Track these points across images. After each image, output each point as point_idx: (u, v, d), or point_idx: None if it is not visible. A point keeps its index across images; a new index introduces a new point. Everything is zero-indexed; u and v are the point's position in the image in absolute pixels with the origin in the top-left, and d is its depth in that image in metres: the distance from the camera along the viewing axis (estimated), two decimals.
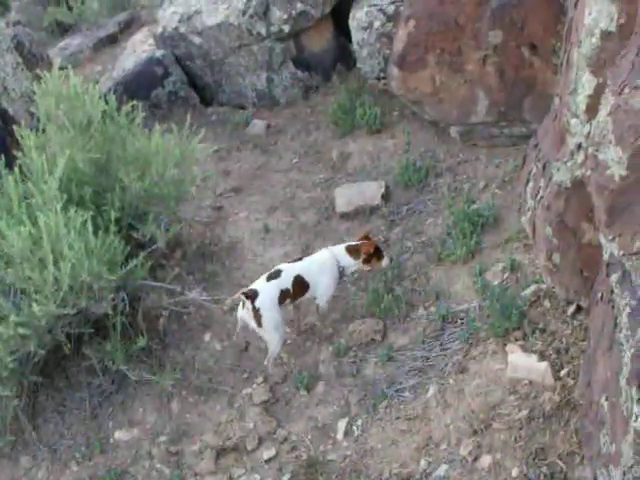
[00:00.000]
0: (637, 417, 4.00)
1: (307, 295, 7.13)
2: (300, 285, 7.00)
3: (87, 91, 7.48)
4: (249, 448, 6.62)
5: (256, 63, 10.58)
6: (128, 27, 13.77)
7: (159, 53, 11.01)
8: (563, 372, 5.99)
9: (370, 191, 8.47)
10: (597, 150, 4.65)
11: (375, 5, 9.58)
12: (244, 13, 10.28)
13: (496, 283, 6.99)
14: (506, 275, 7.04)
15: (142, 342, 7.01)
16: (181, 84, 10.95)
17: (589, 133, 4.81)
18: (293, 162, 9.55)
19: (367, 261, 7.19)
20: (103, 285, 6.64)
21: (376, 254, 7.19)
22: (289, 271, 6.99)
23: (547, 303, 6.55)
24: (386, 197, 8.45)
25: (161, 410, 7.05)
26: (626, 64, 4.53)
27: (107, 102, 7.60)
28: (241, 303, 6.89)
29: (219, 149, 9.79)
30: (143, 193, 7.41)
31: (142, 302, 7.37)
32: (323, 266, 7.13)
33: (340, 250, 7.21)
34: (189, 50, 10.87)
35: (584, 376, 5.35)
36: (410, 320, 7.11)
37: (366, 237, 7.35)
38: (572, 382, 5.86)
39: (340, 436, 6.48)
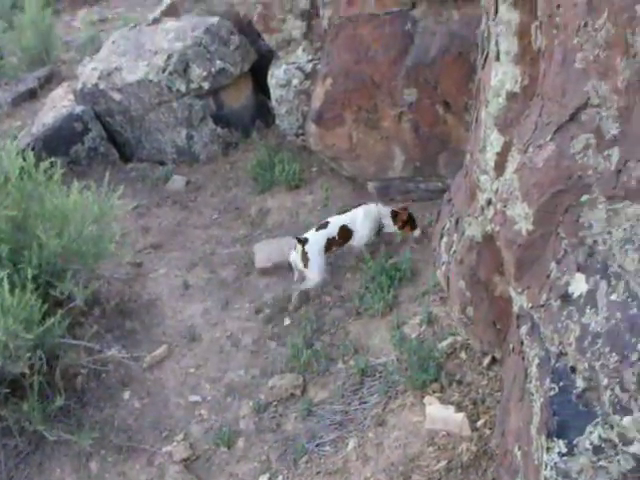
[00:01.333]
0: (547, 466, 4.09)
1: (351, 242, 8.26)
2: (345, 232, 8.17)
3: (4, 147, 7.44)
4: None
5: (176, 119, 10.64)
6: (48, 82, 13.70)
7: (79, 109, 10.97)
8: (480, 422, 6.09)
9: (289, 247, 8.53)
10: (505, 206, 4.82)
11: (293, 63, 9.74)
12: (164, 70, 10.36)
13: (413, 336, 7.10)
14: (423, 328, 7.15)
15: (60, 401, 6.89)
16: (101, 140, 10.93)
17: (497, 189, 4.97)
18: (213, 218, 9.59)
19: (402, 227, 8.29)
20: (19, 344, 6.54)
21: (410, 223, 8.30)
22: (336, 222, 8.19)
23: (463, 355, 6.68)
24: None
25: (80, 470, 6.91)
26: (530, 124, 4.72)
27: (25, 158, 7.55)
28: (294, 247, 8.03)
29: (139, 205, 9.80)
30: (61, 250, 7.34)
31: (60, 360, 7.25)
32: (368, 215, 8.22)
33: (386, 211, 8.30)
34: (109, 106, 10.88)
35: (499, 426, 5.45)
36: (329, 374, 7.16)
37: (405, 208, 8.31)
38: (488, 432, 5.97)
39: None
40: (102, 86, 10.78)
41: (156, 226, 9.62)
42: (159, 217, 9.79)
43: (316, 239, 8.01)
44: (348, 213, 8.32)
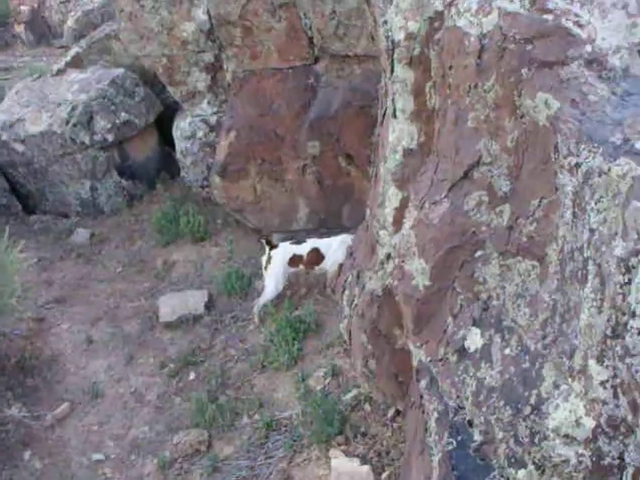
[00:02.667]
0: None
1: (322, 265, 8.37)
2: (316, 255, 8.32)
3: None
4: None
5: (80, 172, 10.52)
6: None
7: None
8: (384, 475, 6.13)
9: (194, 300, 8.51)
10: (403, 261, 4.90)
11: (198, 115, 9.78)
12: (67, 122, 10.26)
13: (318, 389, 7.12)
14: (328, 380, 7.18)
15: None
16: (3, 192, 10.72)
17: (396, 245, 5.05)
18: (117, 271, 9.48)
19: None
20: None
21: None
22: (311, 243, 8.37)
23: (368, 407, 6.72)
24: (210, 306, 8.52)
25: None
26: (426, 181, 4.83)
27: None
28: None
29: (41, 259, 9.62)
30: None
31: None
32: (343, 244, 8.07)
33: None
34: (12, 158, 10.70)
35: (402, 476, 5.49)
36: (235, 429, 7.10)
37: None
38: None
39: None
40: (4, 137, 10.61)
41: (59, 280, 9.45)
42: (62, 271, 9.62)
43: (284, 249, 8.30)
44: (327, 239, 8.49)
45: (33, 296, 8.97)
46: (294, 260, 8.28)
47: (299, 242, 8.38)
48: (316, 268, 8.43)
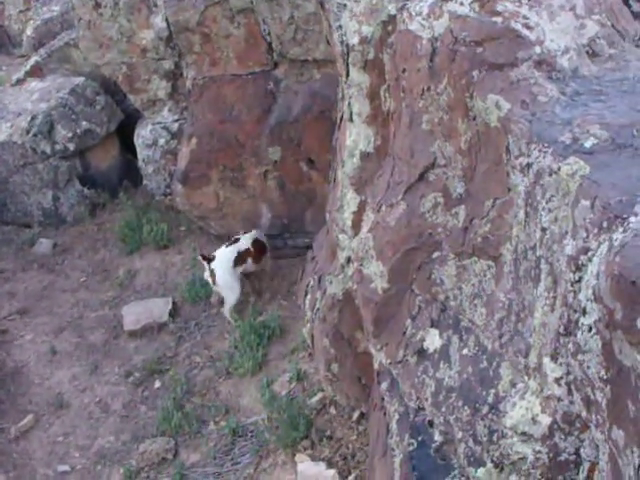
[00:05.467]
0: None
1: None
2: (260, 245, 8.47)
3: None
4: None
5: (42, 181, 10.44)
6: None
7: None
8: (350, 478, 6.14)
9: (158, 308, 8.48)
10: (362, 264, 4.93)
11: (159, 123, 9.74)
12: (28, 132, 10.18)
13: (283, 393, 7.12)
14: (293, 385, 7.18)
15: None
16: None
17: (354, 248, 5.08)
18: (81, 281, 9.41)
19: None
20: None
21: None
22: (248, 236, 8.44)
23: (333, 410, 6.73)
24: (174, 313, 8.50)
25: None
26: (382, 183, 4.86)
27: None
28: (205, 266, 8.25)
29: (3, 270, 9.54)
30: None
31: None
32: None
33: None
34: None
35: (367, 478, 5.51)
36: (201, 436, 7.10)
37: None
38: None
39: None
40: None
41: (22, 291, 9.36)
42: (25, 281, 9.53)
43: (224, 255, 8.28)
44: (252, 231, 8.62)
45: None
46: (242, 257, 8.31)
47: (235, 240, 8.43)
48: (263, 259, 8.56)
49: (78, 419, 7.58)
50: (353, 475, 6.15)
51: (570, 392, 3.51)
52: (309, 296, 6.34)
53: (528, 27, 4.09)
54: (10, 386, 7.98)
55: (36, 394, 7.88)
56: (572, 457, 3.65)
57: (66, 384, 7.92)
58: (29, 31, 13.66)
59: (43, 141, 10.22)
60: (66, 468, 7.16)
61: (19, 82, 11.32)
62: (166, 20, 8.76)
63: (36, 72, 11.37)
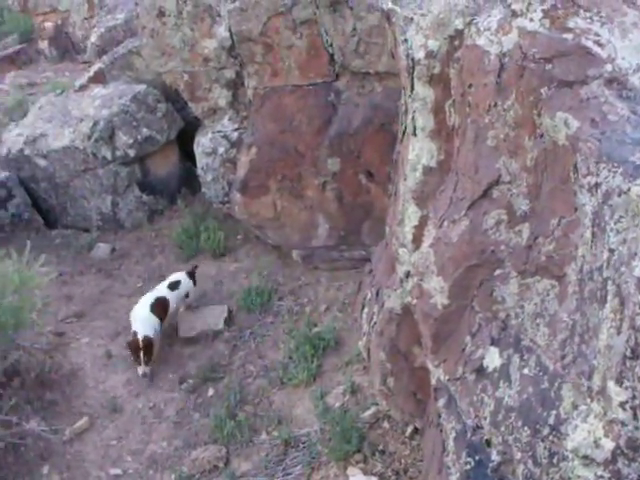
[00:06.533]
0: None
1: None
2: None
3: None
4: None
5: (101, 186, 10.58)
6: None
7: (3, 175, 10.75)
8: None
9: (213, 316, 8.52)
10: (422, 279, 4.90)
11: (219, 132, 9.78)
12: (89, 137, 10.32)
13: (337, 406, 7.10)
14: (346, 398, 7.16)
15: None
16: (25, 206, 10.75)
17: (415, 262, 5.05)
18: (137, 286, 9.48)
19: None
20: None
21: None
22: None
23: (386, 424, 6.70)
24: (229, 321, 8.53)
25: None
26: (445, 199, 4.83)
27: None
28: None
29: (62, 273, 9.66)
30: None
31: None
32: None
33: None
34: (34, 172, 10.77)
35: None
36: (253, 445, 7.10)
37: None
38: None
39: None
40: (27, 152, 10.68)
41: (79, 294, 9.47)
42: (82, 285, 9.65)
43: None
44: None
45: (53, 310, 8.97)
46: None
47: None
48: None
49: (131, 424, 7.64)
50: None
51: (635, 417, 3.44)
52: (366, 309, 6.32)
53: (599, 44, 4.04)
54: (65, 388, 8.06)
55: (91, 397, 7.95)
56: None
57: (120, 388, 7.98)
58: (93, 38, 13.87)
59: (104, 147, 10.36)
60: (118, 472, 7.20)
61: (82, 88, 11.48)
62: (229, 30, 8.80)
63: (99, 79, 11.52)
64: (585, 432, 3.67)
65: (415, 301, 5.02)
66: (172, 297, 8.43)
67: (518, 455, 4.00)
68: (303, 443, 6.93)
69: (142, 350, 7.84)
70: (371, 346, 6.11)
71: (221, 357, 8.14)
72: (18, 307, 7.53)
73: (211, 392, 7.76)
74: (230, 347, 8.26)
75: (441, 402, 4.78)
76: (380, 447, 6.53)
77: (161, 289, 8.51)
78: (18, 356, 7.77)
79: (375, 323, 5.99)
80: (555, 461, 3.78)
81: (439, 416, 4.83)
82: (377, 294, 6.07)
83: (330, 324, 8.05)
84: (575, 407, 3.78)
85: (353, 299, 7.86)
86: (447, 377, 4.66)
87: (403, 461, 6.35)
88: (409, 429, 6.51)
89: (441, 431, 4.77)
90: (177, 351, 8.40)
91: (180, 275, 8.72)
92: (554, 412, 3.86)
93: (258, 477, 6.79)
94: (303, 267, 9.05)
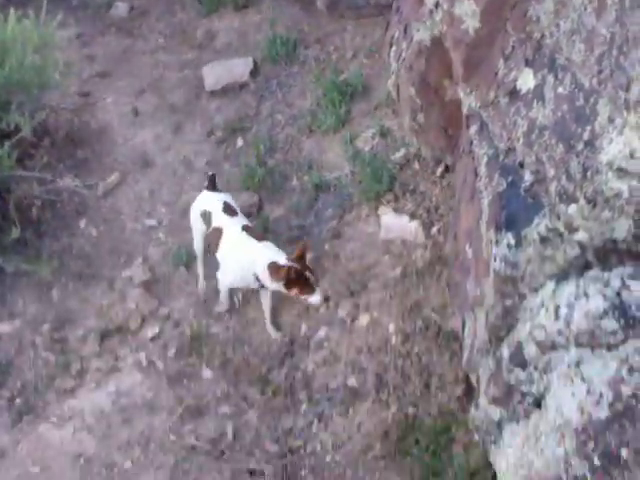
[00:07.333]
0: (496, 258, 4.18)
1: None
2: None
3: None
4: (132, 328, 6.66)
5: None
6: None
7: None
8: (434, 230, 6.22)
9: (238, 68, 8.38)
10: (452, 6, 4.74)
11: None
12: None
13: (367, 149, 7.10)
14: (376, 141, 7.14)
15: (16, 233, 6.83)
16: None
17: None
18: (159, 43, 9.28)
19: (289, 286, 5.98)
20: None
21: (302, 283, 5.96)
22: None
23: (416, 165, 6.72)
24: (255, 73, 8.38)
25: (41, 299, 6.95)
26: None
27: None
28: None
29: (81, 34, 9.47)
30: (3, 81, 7.13)
31: (12, 193, 7.17)
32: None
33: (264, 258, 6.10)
34: None
35: (451, 230, 5.55)
36: (284, 191, 7.19)
37: (301, 256, 6.01)
38: (442, 239, 6.09)
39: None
40: None
41: (101, 54, 9.29)
42: (104, 45, 9.43)
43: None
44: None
45: (77, 71, 8.82)
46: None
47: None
48: None
49: (163, 176, 7.72)
50: (436, 227, 6.23)
51: None
52: (394, 47, 6.18)
53: None
54: (95, 146, 8.08)
55: (121, 153, 7.99)
56: None
57: (149, 143, 8.00)
58: None
59: None
60: (153, 222, 7.37)
61: None
62: None
63: None
64: (620, 144, 3.62)
65: (445, 28, 4.88)
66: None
67: (551, 172, 3.98)
68: (334, 186, 7.00)
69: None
70: (400, 83, 6.02)
71: (248, 108, 8.08)
72: (41, 66, 7.42)
73: (240, 142, 7.77)
74: (257, 98, 8.17)
75: (473, 129, 4.74)
76: (411, 187, 6.59)
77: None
78: (46, 116, 7.74)
79: (404, 59, 5.87)
80: (589, 175, 3.76)
81: (471, 144, 4.80)
82: (405, 30, 5.92)
83: (357, 70, 7.88)
84: (611, 121, 3.71)
85: (381, 43, 7.67)
86: (479, 103, 4.60)
87: (434, 199, 6.43)
88: (440, 169, 6.53)
89: (473, 159, 4.76)
90: (203, 105, 8.33)
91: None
92: (589, 127, 3.81)
93: (291, 221, 6.92)
94: (328, 16, 8.76)
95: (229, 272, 6.33)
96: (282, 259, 5.96)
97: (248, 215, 6.77)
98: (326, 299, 6.20)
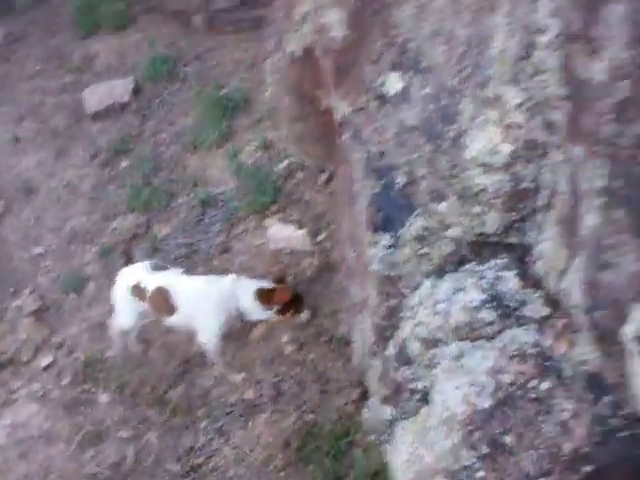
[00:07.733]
0: (374, 259, 4.25)
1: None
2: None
3: None
4: (25, 359, 6.51)
5: None
6: None
7: None
8: (321, 237, 6.27)
9: (119, 88, 8.32)
10: (320, 15, 4.81)
11: None
12: None
13: (250, 162, 7.10)
14: (259, 154, 7.14)
15: None
16: None
17: None
18: (37, 69, 9.14)
19: (281, 311, 5.74)
20: None
21: (294, 304, 5.78)
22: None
23: (300, 174, 6.76)
24: (136, 93, 8.33)
25: None
26: None
27: None
28: None
29: None
30: None
31: None
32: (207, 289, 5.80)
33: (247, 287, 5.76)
34: None
35: (336, 235, 5.61)
36: (171, 209, 7.14)
37: (281, 279, 5.82)
38: (329, 245, 6.14)
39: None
40: None
41: None
42: None
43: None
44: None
45: None
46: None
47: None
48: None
49: (48, 203, 7.60)
50: (323, 235, 6.27)
51: (531, 117, 3.51)
52: (269, 60, 6.23)
53: None
54: None
55: (4, 181, 7.84)
56: (532, 185, 3.70)
57: (33, 170, 7.87)
58: None
59: None
60: (41, 250, 7.24)
61: None
62: None
63: None
64: (484, 140, 3.74)
65: (315, 37, 4.94)
66: None
67: (422, 172, 4.08)
68: (221, 202, 6.99)
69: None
70: (276, 94, 6.06)
71: (131, 128, 8.02)
72: None
73: (124, 164, 7.70)
74: (140, 118, 8.12)
75: (347, 135, 4.80)
76: (296, 196, 6.62)
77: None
78: None
79: (278, 71, 5.92)
80: (456, 172, 3.87)
81: (346, 150, 4.87)
82: (279, 42, 5.97)
83: (238, 85, 7.89)
84: (474, 118, 3.83)
85: (258, 56, 7.71)
86: (351, 109, 4.66)
87: (319, 208, 6.47)
88: (323, 177, 6.59)
89: (350, 164, 4.82)
90: (85, 128, 8.23)
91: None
92: (454, 125, 3.92)
93: (179, 239, 6.87)
94: (207, 32, 8.78)
95: (212, 321, 5.74)
96: (264, 284, 5.71)
97: (135, 236, 6.75)
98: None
